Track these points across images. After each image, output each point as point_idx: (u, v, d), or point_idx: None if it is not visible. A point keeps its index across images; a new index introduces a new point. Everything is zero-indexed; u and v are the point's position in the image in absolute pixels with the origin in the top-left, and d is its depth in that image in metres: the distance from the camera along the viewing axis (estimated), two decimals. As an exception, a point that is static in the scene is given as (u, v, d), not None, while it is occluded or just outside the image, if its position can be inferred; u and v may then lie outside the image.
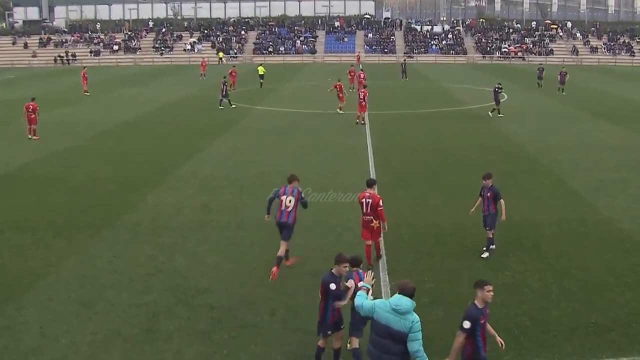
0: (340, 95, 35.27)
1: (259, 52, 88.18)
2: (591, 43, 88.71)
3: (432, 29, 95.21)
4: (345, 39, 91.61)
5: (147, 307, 11.46)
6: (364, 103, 31.81)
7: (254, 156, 24.52)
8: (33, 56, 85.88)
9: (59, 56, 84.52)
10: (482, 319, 7.98)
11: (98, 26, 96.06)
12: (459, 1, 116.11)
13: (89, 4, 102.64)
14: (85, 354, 9.89)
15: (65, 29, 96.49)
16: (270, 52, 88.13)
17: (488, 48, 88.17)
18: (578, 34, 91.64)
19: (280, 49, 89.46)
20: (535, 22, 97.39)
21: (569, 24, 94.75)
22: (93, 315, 11.15)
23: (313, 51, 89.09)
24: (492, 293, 8.04)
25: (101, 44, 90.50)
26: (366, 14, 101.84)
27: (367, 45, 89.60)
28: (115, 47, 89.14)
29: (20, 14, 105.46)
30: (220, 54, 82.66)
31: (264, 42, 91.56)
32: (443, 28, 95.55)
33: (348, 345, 9.45)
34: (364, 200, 13.15)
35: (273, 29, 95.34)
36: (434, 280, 12.55)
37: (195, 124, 32.46)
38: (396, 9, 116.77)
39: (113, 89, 50.48)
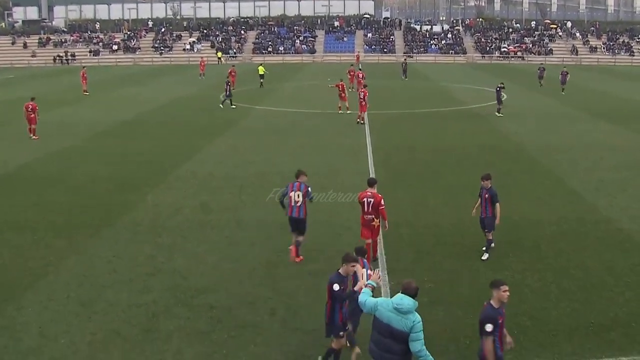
0: (343, 95, 35.27)
1: (258, 52, 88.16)
2: (590, 43, 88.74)
3: (431, 28, 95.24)
4: (345, 39, 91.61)
5: (147, 307, 11.46)
6: (363, 103, 31.83)
7: (253, 156, 24.52)
8: (32, 56, 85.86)
9: (58, 56, 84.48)
10: (499, 318, 7.95)
11: (97, 26, 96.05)
12: (458, 1, 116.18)
13: (88, 4, 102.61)
14: (84, 354, 9.89)
15: (65, 29, 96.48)
16: (269, 52, 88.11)
17: (487, 48, 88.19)
18: (577, 34, 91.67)
19: (280, 48, 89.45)
20: (534, 22, 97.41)
21: (569, 24, 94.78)
22: (92, 315, 11.15)
23: (312, 51, 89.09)
24: (508, 293, 8.00)
25: (100, 43, 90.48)
26: (366, 13, 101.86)
27: (366, 45, 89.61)
28: (115, 47, 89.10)
29: (19, 14, 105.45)
30: (219, 54, 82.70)
31: (263, 41, 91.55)
32: (442, 28, 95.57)
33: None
34: (365, 199, 13.16)
35: (272, 29, 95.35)
36: (434, 280, 12.55)
37: (195, 124, 32.45)
38: (395, 8, 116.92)
39: (112, 89, 50.47)
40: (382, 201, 13.09)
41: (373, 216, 13.11)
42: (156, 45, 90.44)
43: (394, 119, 33.72)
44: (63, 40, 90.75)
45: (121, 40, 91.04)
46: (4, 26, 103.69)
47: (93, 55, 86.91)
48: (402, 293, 7.72)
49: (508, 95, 36.05)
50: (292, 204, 13.40)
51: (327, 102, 39.27)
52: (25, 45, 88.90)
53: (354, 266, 9.08)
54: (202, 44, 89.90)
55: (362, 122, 31.56)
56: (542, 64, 57.24)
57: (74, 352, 9.95)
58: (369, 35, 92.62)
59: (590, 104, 40.05)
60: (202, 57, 68.45)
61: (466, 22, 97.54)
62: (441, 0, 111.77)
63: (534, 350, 9.93)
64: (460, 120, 33.29)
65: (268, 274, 12.93)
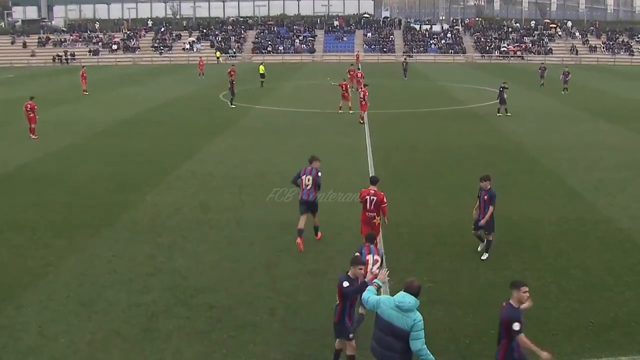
0: (346, 94, 35.28)
1: (258, 52, 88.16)
2: (590, 42, 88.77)
3: (431, 28, 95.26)
4: (345, 38, 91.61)
5: (147, 306, 11.46)
6: (363, 102, 31.85)
7: (253, 155, 24.51)
8: (32, 55, 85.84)
9: (58, 55, 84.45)
10: (521, 318, 7.93)
11: (97, 25, 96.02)
12: (457, 0, 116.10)
13: (88, 4, 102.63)
14: (84, 354, 9.88)
15: (64, 28, 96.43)
16: (269, 52, 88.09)
17: (487, 47, 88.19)
18: (577, 33, 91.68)
19: (279, 48, 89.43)
20: (534, 22, 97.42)
21: (569, 23, 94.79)
22: (92, 314, 11.15)
23: (312, 50, 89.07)
24: (528, 294, 8.00)
25: (100, 43, 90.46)
26: (365, 13, 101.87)
27: (366, 45, 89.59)
28: (114, 47, 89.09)
29: (19, 13, 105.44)
30: (218, 53, 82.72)
31: (262, 41, 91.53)
32: (442, 27, 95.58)
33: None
34: (368, 197, 13.23)
35: (272, 28, 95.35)
36: (434, 279, 12.55)
37: (195, 123, 32.44)
38: (395, 8, 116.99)
39: (112, 88, 50.45)
40: (385, 199, 13.19)
41: (374, 214, 13.20)
42: (156, 45, 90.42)
43: (394, 119, 33.72)
44: (62, 39, 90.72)
45: (121, 39, 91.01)
46: (3, 26, 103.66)
47: (92, 54, 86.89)
48: (404, 291, 7.75)
49: (508, 94, 35.93)
50: (303, 187, 14.45)
51: (326, 101, 39.26)
52: (24, 45, 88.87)
53: (361, 269, 9.04)
54: (202, 44, 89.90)
55: (362, 121, 31.56)
56: (542, 63, 57.19)
57: (73, 351, 9.94)
58: (369, 34, 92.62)
59: (590, 103, 40.06)
60: (200, 57, 68.41)
61: (465, 22, 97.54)
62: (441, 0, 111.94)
63: (533, 350, 9.92)
64: (460, 120, 33.29)
65: (268, 274, 12.93)
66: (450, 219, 16.33)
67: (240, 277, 12.77)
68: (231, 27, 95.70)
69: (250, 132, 29.91)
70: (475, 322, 10.88)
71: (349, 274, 8.95)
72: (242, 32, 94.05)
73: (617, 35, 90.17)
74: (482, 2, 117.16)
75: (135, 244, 14.77)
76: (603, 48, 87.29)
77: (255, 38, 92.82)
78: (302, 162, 22.43)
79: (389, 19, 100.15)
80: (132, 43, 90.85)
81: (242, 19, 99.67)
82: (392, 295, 8.00)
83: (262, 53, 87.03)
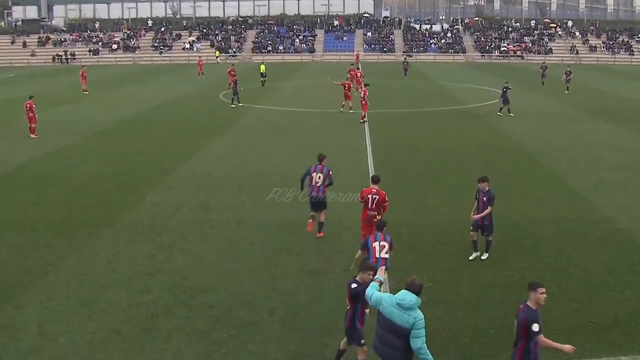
0: (349, 94, 35.29)
1: (257, 51, 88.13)
2: (590, 42, 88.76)
3: (431, 27, 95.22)
4: (344, 38, 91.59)
5: (147, 306, 11.46)
6: (364, 102, 31.86)
7: (253, 155, 24.51)
8: (32, 55, 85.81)
9: (58, 55, 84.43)
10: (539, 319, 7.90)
11: (97, 25, 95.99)
12: (457, 0, 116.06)
13: (88, 3, 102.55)
14: (84, 354, 9.88)
15: (64, 28, 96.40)
16: (269, 51, 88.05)
17: (487, 47, 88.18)
18: (577, 33, 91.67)
19: (279, 47, 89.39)
20: (534, 21, 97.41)
21: (570, 23, 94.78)
22: (92, 314, 11.15)
23: (312, 50, 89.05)
24: (545, 295, 7.97)
25: (100, 42, 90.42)
26: (365, 12, 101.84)
27: (366, 44, 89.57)
28: (114, 46, 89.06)
29: (19, 13, 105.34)
30: (217, 53, 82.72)
31: (262, 41, 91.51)
32: (442, 27, 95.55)
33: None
34: (369, 196, 13.32)
35: (272, 28, 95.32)
36: (434, 279, 12.55)
37: (195, 123, 32.44)
38: (395, 7, 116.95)
39: (112, 88, 50.44)
40: (387, 197, 13.30)
41: (376, 212, 13.27)
42: (156, 45, 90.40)
43: (394, 119, 33.71)
44: (62, 39, 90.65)
45: (121, 39, 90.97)
46: (3, 25, 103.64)
47: (92, 54, 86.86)
48: (405, 289, 7.79)
49: (509, 94, 35.97)
50: (313, 183, 14.86)
51: (326, 101, 39.26)
52: (24, 45, 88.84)
53: (370, 274, 8.86)
54: (202, 43, 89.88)
55: (362, 121, 31.57)
56: (544, 63, 57.19)
57: (73, 351, 9.94)
58: (369, 34, 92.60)
59: (589, 103, 40.05)
60: (199, 57, 68.34)
61: (465, 22, 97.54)
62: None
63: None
64: (460, 120, 33.29)
65: (267, 274, 12.93)
66: (450, 219, 16.33)
67: (240, 277, 12.77)
68: (231, 27, 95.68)
69: (250, 132, 29.91)
70: (475, 322, 10.88)
71: (357, 278, 8.83)
72: (242, 31, 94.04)
73: (617, 34, 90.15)
74: (482, 2, 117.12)
75: (135, 243, 14.77)
76: (603, 48, 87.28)
77: (255, 38, 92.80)
78: (302, 162, 22.48)
79: (389, 19, 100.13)
80: (132, 43, 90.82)
81: (242, 18, 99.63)
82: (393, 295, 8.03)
83: (262, 53, 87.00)
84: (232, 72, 46.34)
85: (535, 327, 7.75)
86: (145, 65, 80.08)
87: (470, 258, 13.56)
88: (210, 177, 21.12)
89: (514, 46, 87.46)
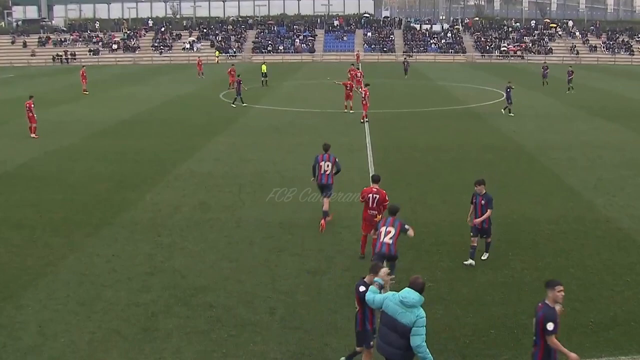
0: (350, 94, 35.29)
1: (258, 51, 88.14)
2: (590, 42, 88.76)
3: (431, 27, 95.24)
4: (345, 38, 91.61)
5: (146, 306, 11.45)
6: (364, 101, 31.86)
7: (252, 155, 24.50)
8: (32, 55, 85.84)
9: (58, 55, 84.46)
10: (557, 317, 7.89)
11: (97, 25, 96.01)
12: (458, 0, 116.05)
13: (88, 3, 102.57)
14: (84, 353, 9.88)
15: (64, 28, 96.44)
16: (269, 51, 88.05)
17: (487, 47, 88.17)
18: (577, 33, 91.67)
19: (280, 47, 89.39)
20: (534, 21, 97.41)
21: (570, 23, 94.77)
22: (92, 314, 11.15)
23: (312, 50, 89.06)
24: (563, 293, 7.97)
25: (100, 42, 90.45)
26: (365, 12, 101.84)
27: (366, 44, 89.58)
28: (114, 46, 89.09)
29: (19, 13, 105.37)
30: (217, 53, 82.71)
31: (263, 41, 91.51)
32: (442, 27, 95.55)
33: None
34: (370, 195, 13.42)
35: (272, 28, 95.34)
36: (433, 279, 12.54)
37: (194, 123, 32.45)
38: (395, 7, 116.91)
39: (112, 88, 50.45)
40: (387, 197, 13.38)
41: (376, 212, 13.36)
42: (156, 45, 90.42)
43: (394, 118, 33.71)
44: (63, 39, 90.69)
45: (121, 39, 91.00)
46: (3, 25, 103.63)
47: (93, 54, 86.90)
48: (408, 287, 7.83)
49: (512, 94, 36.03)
50: (322, 172, 15.80)
51: (326, 101, 39.28)
52: (24, 45, 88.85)
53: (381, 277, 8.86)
54: (202, 43, 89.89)
55: (362, 120, 31.57)
56: (545, 62, 57.22)
57: (73, 351, 9.94)
58: (369, 34, 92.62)
59: (589, 102, 40.04)
60: (199, 57, 68.32)
61: (465, 22, 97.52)
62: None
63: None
64: (460, 120, 33.28)
65: (267, 273, 12.93)
66: (450, 218, 16.32)
67: (240, 277, 12.77)
68: (231, 27, 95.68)
69: (250, 131, 29.90)
70: (474, 321, 10.88)
71: (365, 280, 8.78)
72: (242, 31, 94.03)
73: (617, 34, 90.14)
74: (482, 2, 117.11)
75: (135, 243, 14.77)
76: (603, 48, 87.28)
77: (255, 38, 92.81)
78: (301, 161, 22.56)
79: (389, 19, 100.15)
80: (132, 43, 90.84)
81: (242, 18, 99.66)
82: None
83: (262, 53, 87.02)
84: (232, 72, 46.35)
85: (550, 326, 7.75)
86: (145, 65, 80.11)
87: (465, 263, 13.30)
88: (210, 176, 21.12)
89: (514, 46, 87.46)
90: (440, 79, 57.45)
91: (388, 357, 8.02)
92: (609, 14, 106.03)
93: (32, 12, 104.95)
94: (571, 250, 14.20)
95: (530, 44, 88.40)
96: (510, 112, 34.05)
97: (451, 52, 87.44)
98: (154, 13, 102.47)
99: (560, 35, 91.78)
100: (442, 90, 47.89)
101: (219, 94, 44.78)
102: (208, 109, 37.83)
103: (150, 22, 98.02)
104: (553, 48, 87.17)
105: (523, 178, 20.71)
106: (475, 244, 13.35)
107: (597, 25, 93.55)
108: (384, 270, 8.81)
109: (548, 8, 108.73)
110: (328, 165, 15.83)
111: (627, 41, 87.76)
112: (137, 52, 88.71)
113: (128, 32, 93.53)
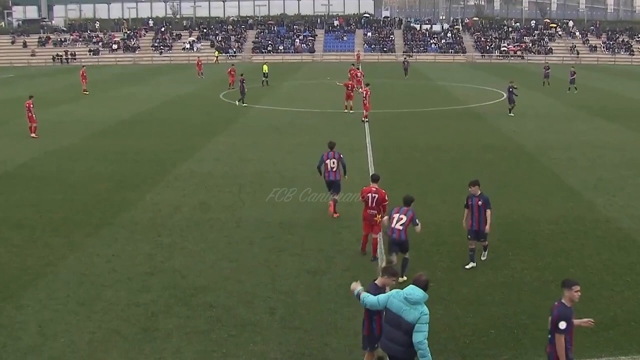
0: (351, 94, 35.29)
1: (258, 51, 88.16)
2: (590, 42, 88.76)
3: (431, 27, 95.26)
4: (345, 38, 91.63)
5: (146, 306, 11.45)
6: (365, 102, 31.87)
7: (252, 155, 24.50)
8: (32, 55, 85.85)
9: (58, 55, 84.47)
10: (572, 317, 7.89)
11: (97, 25, 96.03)
12: (458, 0, 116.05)
13: (88, 3, 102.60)
14: (84, 353, 9.88)
15: (64, 28, 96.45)
16: (269, 51, 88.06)
17: (487, 47, 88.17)
18: (577, 33, 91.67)
19: (280, 47, 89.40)
20: (534, 21, 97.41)
21: (570, 23, 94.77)
22: (92, 314, 11.15)
23: (312, 50, 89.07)
24: (579, 293, 7.93)
25: (100, 42, 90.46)
26: (365, 12, 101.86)
27: (366, 44, 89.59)
28: (114, 46, 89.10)
29: (19, 13, 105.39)
30: (216, 53, 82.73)
31: (263, 41, 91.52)
32: (442, 27, 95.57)
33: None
34: (369, 194, 13.46)
35: (272, 28, 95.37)
36: (433, 278, 12.49)
37: (194, 123, 32.45)
38: (395, 7, 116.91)
39: (112, 88, 50.46)
40: (386, 197, 13.44)
41: (376, 211, 13.39)
42: (156, 45, 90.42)
43: (394, 118, 33.71)
44: (63, 39, 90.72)
45: (121, 39, 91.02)
46: (3, 25, 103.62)
47: (93, 54, 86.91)
48: (413, 284, 7.92)
49: (508, 94, 35.98)
50: (329, 169, 16.27)
51: (326, 101, 39.27)
52: (24, 45, 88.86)
53: (394, 280, 8.73)
54: (202, 43, 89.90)
55: (363, 120, 31.57)
56: (547, 62, 57.22)
57: (73, 351, 9.94)
58: (369, 34, 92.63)
59: (589, 102, 40.03)
60: (198, 57, 68.30)
61: (465, 22, 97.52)
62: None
63: (533, 349, 9.93)
64: (460, 120, 33.28)
65: (267, 273, 12.93)
66: (450, 218, 16.30)
67: (240, 277, 12.76)
68: (231, 27, 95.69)
69: (250, 131, 29.91)
70: (474, 321, 10.88)
71: (376, 282, 8.58)
72: (242, 31, 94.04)
73: (617, 34, 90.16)
74: (482, 2, 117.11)
75: (135, 243, 14.77)
76: (603, 48, 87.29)
77: (256, 38, 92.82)
78: (301, 161, 22.58)
79: (389, 19, 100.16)
80: (132, 43, 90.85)
81: (242, 18, 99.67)
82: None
83: (262, 53, 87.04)
84: (232, 72, 46.35)
85: (562, 325, 7.73)
86: (145, 65, 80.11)
87: (467, 267, 13.20)
88: (210, 176, 21.12)
89: (514, 46, 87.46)
90: (440, 79, 57.45)
91: (391, 354, 8.05)
92: (609, 14, 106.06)
93: (32, 12, 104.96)
94: (571, 250, 14.20)
95: (530, 44, 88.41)
96: (510, 112, 34.07)
97: (451, 52, 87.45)
98: (154, 13, 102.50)
99: (560, 35, 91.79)
100: (442, 90, 47.88)
101: (219, 94, 44.78)
102: (208, 109, 37.84)
103: (150, 22, 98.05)
104: (553, 48, 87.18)
105: (523, 178, 20.71)
106: (474, 246, 13.32)
107: (597, 25, 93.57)
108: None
109: (548, 8, 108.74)
110: (334, 163, 16.27)
111: (627, 41, 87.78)
112: (137, 52, 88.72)
113: (128, 32, 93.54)
